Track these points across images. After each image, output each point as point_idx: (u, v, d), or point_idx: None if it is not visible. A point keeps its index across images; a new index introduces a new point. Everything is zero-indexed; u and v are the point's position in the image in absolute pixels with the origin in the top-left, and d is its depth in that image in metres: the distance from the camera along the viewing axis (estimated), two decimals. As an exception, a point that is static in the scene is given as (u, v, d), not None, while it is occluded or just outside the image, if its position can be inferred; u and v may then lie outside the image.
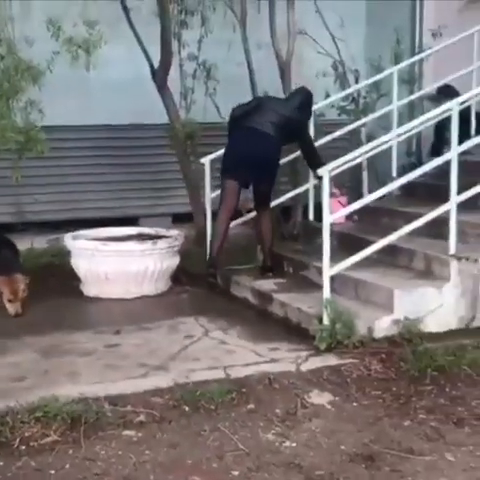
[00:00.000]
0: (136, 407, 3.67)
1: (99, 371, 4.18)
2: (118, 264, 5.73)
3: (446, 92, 7.00)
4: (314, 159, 5.83)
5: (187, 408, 3.68)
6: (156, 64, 6.82)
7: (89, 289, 5.90)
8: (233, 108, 5.85)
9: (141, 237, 6.20)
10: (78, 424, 3.46)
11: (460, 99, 4.87)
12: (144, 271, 5.79)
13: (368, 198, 4.98)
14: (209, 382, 3.93)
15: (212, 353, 4.46)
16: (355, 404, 3.77)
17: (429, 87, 7.29)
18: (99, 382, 3.98)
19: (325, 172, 4.56)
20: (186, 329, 4.95)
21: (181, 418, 3.60)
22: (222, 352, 4.48)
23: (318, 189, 6.00)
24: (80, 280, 5.99)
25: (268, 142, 5.63)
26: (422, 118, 5.27)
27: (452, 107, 4.75)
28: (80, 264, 5.91)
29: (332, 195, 5.48)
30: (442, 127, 7.03)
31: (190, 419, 3.59)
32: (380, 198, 5.17)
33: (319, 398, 3.82)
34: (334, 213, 4.91)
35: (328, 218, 4.56)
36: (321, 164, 5.59)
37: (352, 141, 7.04)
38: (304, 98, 5.94)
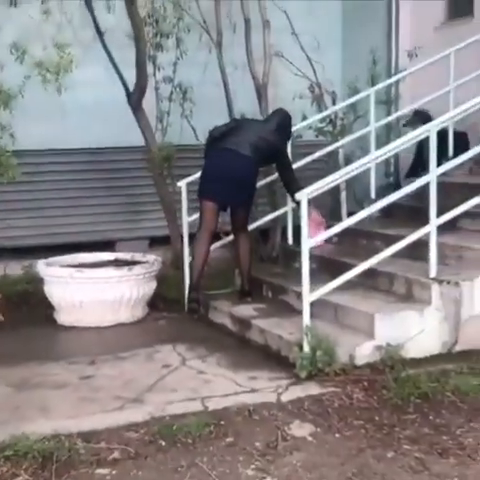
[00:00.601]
0: (110, 443, 3.54)
1: (72, 405, 4.05)
2: (93, 291, 5.61)
3: (419, 117, 7.02)
4: (292, 183, 5.75)
5: (163, 443, 3.56)
6: (131, 87, 6.75)
7: (63, 317, 5.76)
8: (210, 130, 5.78)
9: (117, 263, 6.08)
10: (49, 462, 3.33)
11: (437, 121, 4.81)
12: (120, 298, 5.67)
13: (348, 221, 4.90)
14: (186, 415, 3.81)
15: (190, 383, 4.34)
16: (337, 435, 3.66)
17: (406, 108, 7.27)
18: (72, 417, 3.85)
19: (303, 196, 4.48)
20: (163, 358, 4.83)
21: (157, 453, 3.47)
22: (200, 382, 4.37)
23: (297, 211, 5.93)
24: (54, 308, 5.85)
25: (245, 163, 5.56)
26: (400, 141, 5.22)
27: (430, 129, 4.70)
28: (54, 292, 5.77)
29: (310, 217, 5.45)
30: (422, 148, 7.02)
31: (167, 454, 3.47)
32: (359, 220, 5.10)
33: (300, 430, 3.71)
34: (313, 236, 4.86)
35: (307, 243, 4.47)
36: (299, 188, 5.53)
37: (330, 162, 7.01)
38: (282, 120, 5.88)
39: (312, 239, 4.58)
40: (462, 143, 6.73)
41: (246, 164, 5.57)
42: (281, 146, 5.84)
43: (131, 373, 4.55)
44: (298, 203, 4.82)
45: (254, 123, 5.90)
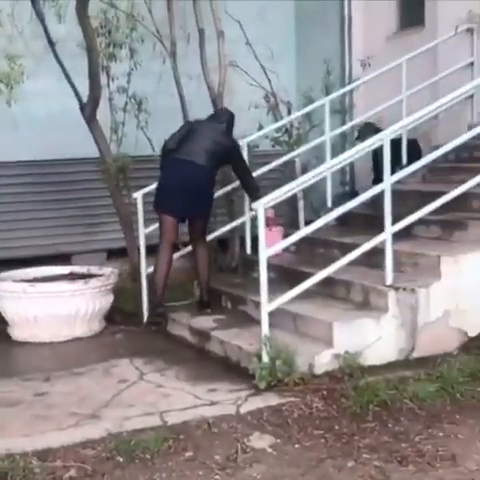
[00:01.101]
0: (66, 461, 3.46)
1: (26, 423, 3.94)
2: (47, 306, 5.51)
3: (369, 128, 7.11)
4: (250, 186, 5.80)
5: (121, 459, 3.49)
6: (85, 98, 6.67)
7: (17, 333, 5.65)
8: (165, 140, 5.73)
9: (72, 276, 5.98)
10: (4, 483, 3.24)
11: (391, 129, 4.85)
12: (76, 312, 5.58)
13: (305, 230, 4.90)
14: (145, 430, 3.75)
15: (148, 398, 4.27)
16: (297, 446, 3.64)
17: (360, 117, 7.33)
18: (26, 435, 3.75)
19: (260, 206, 4.46)
20: (120, 372, 4.75)
21: (115, 470, 3.40)
22: (158, 396, 4.30)
23: (255, 221, 5.92)
24: (8, 323, 5.72)
25: (201, 174, 5.53)
26: (354, 150, 5.25)
27: (383, 138, 4.73)
28: (7, 307, 5.65)
29: (268, 226, 5.46)
30: (377, 157, 7.08)
31: (124, 471, 3.40)
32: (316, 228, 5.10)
33: (260, 441, 3.67)
34: (271, 244, 4.85)
35: (264, 252, 4.45)
36: (258, 190, 5.59)
37: (286, 172, 7.02)
38: (231, 120, 5.90)
39: (270, 248, 4.56)
40: (414, 151, 6.81)
41: (202, 175, 5.54)
42: (235, 147, 5.83)
43: (87, 389, 4.46)
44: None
45: (208, 126, 5.81)
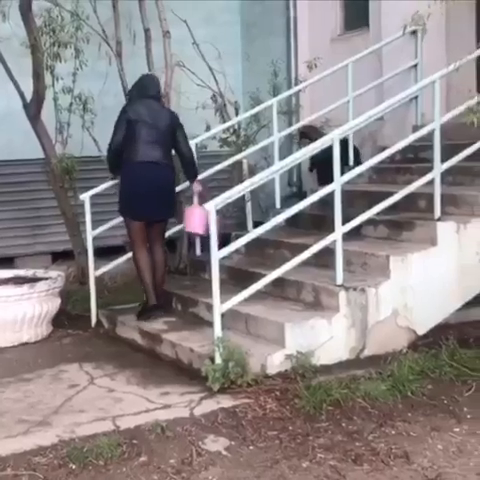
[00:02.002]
0: (17, 469, 3.38)
1: (-26, 432, 3.84)
2: (-7, 311, 5.36)
3: (310, 132, 7.19)
4: (190, 155, 5.68)
5: (74, 466, 3.42)
6: (29, 97, 6.53)
7: (-39, 339, 5.48)
8: (110, 144, 5.44)
9: (17, 280, 5.84)
10: None
11: (340, 130, 4.89)
12: (22, 317, 5.44)
13: (256, 232, 4.88)
14: (97, 436, 3.68)
15: (99, 403, 4.20)
16: (252, 447, 3.63)
17: (307, 118, 7.38)
18: (-25, 444, 3.65)
19: (211, 207, 4.44)
20: (70, 377, 4.66)
21: (68, 478, 3.34)
22: (110, 401, 4.23)
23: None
24: None
25: (166, 175, 5.43)
26: (301, 152, 5.28)
27: (334, 138, 4.76)
28: None
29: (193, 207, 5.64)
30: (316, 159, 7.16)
31: (77, 478, 3.34)
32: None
33: (215, 444, 3.65)
34: (199, 226, 5.34)
35: (216, 254, 4.44)
36: (195, 171, 5.68)
37: (234, 173, 7.03)
38: (159, 87, 5.77)
39: (222, 250, 4.53)
40: (354, 153, 6.91)
41: (168, 174, 5.46)
42: (178, 117, 5.64)
43: (36, 395, 4.36)
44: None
45: (148, 111, 5.40)
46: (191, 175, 5.73)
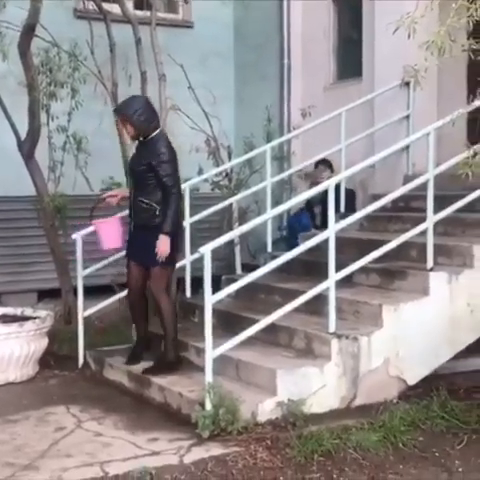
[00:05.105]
0: (3, 516, 3.29)
1: (-42, 475, 3.75)
2: (-20, 349, 5.28)
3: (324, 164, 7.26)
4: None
5: (61, 513, 3.35)
6: (23, 135, 6.54)
7: None
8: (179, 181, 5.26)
9: (5, 318, 5.77)
10: None
11: (335, 179, 4.94)
12: (9, 356, 5.36)
13: (251, 276, 4.84)
14: (85, 482, 3.62)
15: (86, 447, 4.12)
16: (242, 498, 3.58)
17: (300, 165, 7.44)
18: (-41, 488, 3.56)
19: (206, 251, 4.43)
20: (57, 420, 4.59)
21: (55, 526, 3.26)
22: (98, 446, 4.15)
23: (194, 263, 5.89)
24: None
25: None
26: (295, 199, 5.34)
27: (329, 185, 4.80)
28: None
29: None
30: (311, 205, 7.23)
31: (64, 526, 3.26)
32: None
33: (205, 493, 3.59)
34: (113, 241, 5.28)
35: (210, 298, 4.41)
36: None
37: (225, 215, 7.05)
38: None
39: (215, 295, 4.50)
40: (349, 199, 6.95)
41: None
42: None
43: (23, 437, 4.28)
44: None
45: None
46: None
